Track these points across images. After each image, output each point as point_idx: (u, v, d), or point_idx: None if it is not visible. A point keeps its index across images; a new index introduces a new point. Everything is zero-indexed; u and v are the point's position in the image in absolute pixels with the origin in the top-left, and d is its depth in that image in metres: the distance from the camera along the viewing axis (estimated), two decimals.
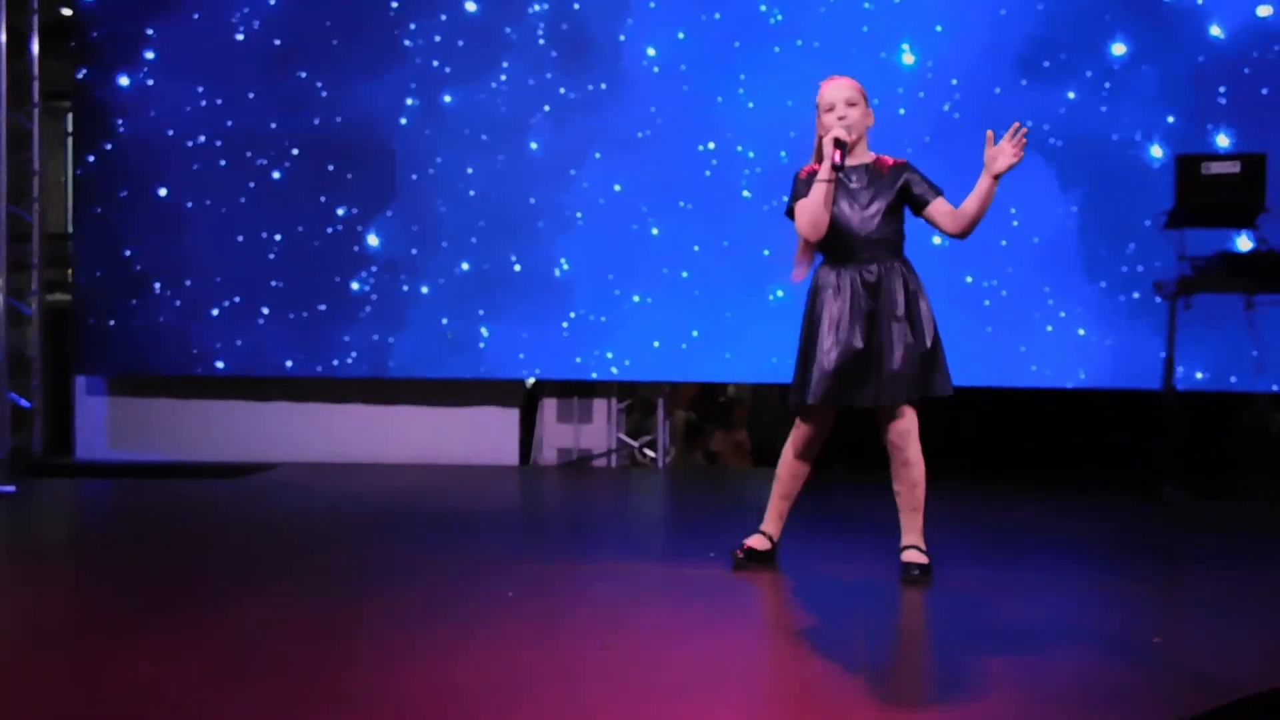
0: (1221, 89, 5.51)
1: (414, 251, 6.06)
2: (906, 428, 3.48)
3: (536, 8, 6.02)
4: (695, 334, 5.89)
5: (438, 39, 6.06)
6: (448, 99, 6.04)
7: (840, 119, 3.46)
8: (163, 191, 6.18)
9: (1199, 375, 5.53)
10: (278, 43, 6.12)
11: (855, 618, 3.17)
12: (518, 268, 6.00)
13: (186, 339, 6.15)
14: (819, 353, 3.47)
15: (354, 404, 6.28)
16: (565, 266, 5.98)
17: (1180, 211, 4.99)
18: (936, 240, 4.60)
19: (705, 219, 5.89)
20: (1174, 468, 4.99)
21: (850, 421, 3.83)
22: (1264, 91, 5.48)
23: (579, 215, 5.97)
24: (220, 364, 6.13)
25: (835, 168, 3.41)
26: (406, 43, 6.07)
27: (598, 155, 5.96)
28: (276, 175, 6.12)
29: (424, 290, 6.05)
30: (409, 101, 6.06)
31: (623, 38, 5.98)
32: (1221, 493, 5.36)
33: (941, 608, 3.31)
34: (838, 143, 3.40)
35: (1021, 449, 6.09)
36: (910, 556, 3.56)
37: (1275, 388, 5.53)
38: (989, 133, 3.35)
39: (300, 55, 6.11)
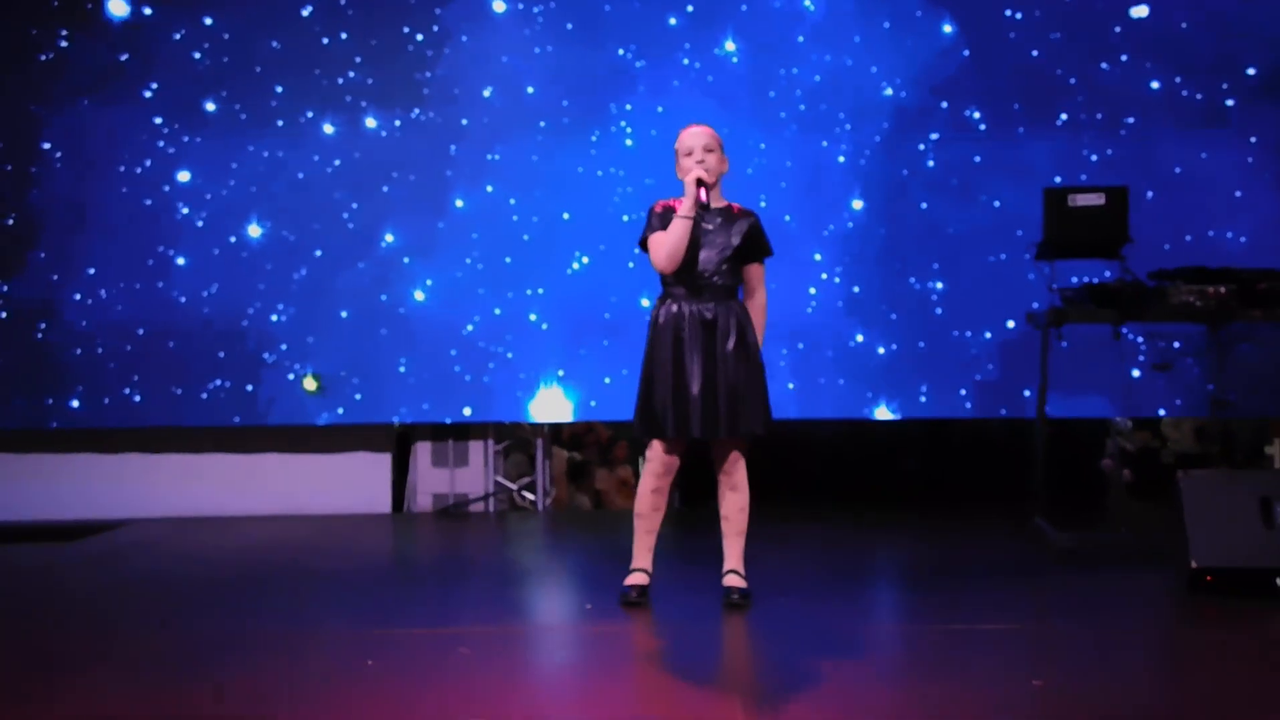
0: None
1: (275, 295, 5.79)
2: (736, 458, 3.70)
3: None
4: (561, 373, 5.73)
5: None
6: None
7: (699, 162, 3.64)
8: None
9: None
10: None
11: (732, 677, 3.03)
12: (384, 296, 5.77)
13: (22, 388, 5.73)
14: (656, 386, 3.64)
15: (212, 454, 5.93)
16: (421, 300, 5.77)
17: (1049, 243, 5.03)
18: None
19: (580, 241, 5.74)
20: (1044, 498, 5.01)
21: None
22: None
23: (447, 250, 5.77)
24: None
25: (701, 206, 3.60)
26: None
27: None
28: None
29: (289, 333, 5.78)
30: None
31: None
32: (1086, 520, 5.40)
33: (817, 656, 3.18)
34: (700, 182, 3.59)
35: (883, 480, 6.09)
36: (731, 581, 3.75)
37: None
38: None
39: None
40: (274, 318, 5.77)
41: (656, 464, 3.71)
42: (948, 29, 5.72)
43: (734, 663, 3.32)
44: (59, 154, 5.77)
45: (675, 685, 3.04)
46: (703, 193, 3.59)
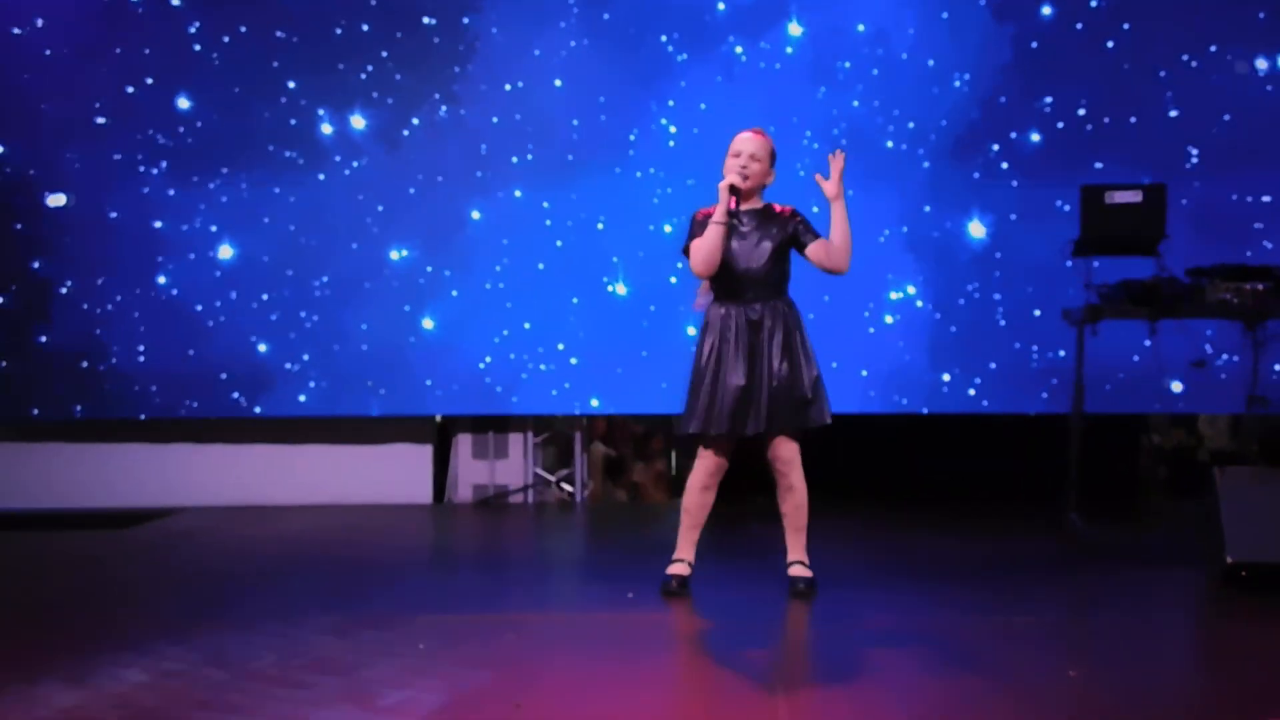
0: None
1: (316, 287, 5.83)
2: (790, 456, 3.79)
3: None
4: (620, 370, 5.76)
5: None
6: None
7: (742, 167, 3.73)
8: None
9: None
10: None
11: (771, 666, 3.10)
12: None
13: (78, 380, 5.82)
14: (704, 386, 3.74)
15: (259, 444, 6.06)
16: (447, 307, 5.75)
17: (1085, 240, 5.05)
18: None
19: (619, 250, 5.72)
20: (1077, 493, 5.05)
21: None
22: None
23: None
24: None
25: (730, 213, 3.67)
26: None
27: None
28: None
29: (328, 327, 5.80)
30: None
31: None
32: (1121, 516, 5.42)
33: (858, 646, 3.26)
34: (732, 189, 3.67)
35: (917, 475, 6.07)
36: (796, 571, 3.91)
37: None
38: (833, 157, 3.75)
39: None
40: (288, 332, 5.75)
41: (708, 462, 3.82)
42: (1012, 20, 5.56)
43: (773, 652, 3.39)
44: (71, 156, 5.74)
45: (716, 672, 3.13)
46: (733, 201, 3.65)
